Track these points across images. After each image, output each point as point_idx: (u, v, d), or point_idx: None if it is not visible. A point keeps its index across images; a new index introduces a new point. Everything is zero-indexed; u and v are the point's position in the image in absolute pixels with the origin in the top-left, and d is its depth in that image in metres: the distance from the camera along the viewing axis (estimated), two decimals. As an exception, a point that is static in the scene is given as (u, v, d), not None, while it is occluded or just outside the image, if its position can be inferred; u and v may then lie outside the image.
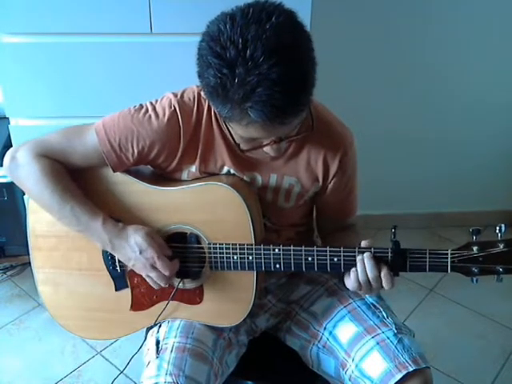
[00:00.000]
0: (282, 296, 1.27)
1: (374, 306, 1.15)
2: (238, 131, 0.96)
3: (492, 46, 2.26)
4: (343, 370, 1.11)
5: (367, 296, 1.16)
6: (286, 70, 0.82)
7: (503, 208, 2.58)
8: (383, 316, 1.13)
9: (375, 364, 1.06)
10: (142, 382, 1.06)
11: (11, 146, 1.65)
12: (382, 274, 1.00)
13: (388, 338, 1.08)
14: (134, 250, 1.06)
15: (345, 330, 1.13)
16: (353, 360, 1.09)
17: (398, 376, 1.02)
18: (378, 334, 1.09)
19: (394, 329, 1.09)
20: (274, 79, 0.82)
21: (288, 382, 1.24)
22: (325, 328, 1.16)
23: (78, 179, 1.11)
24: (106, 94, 1.72)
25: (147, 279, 1.10)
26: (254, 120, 0.87)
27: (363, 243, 1.02)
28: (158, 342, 1.11)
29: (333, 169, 1.12)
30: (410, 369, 1.02)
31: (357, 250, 1.02)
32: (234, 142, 1.03)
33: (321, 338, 1.17)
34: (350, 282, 1.04)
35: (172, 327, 1.14)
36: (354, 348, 1.10)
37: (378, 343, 1.07)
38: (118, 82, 1.71)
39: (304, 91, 0.88)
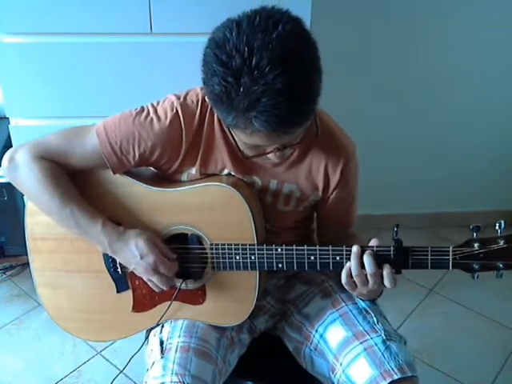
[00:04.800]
0: (280, 296, 1.27)
1: (366, 310, 1.14)
2: (242, 138, 0.96)
3: (492, 48, 2.27)
4: (333, 373, 1.11)
5: (360, 301, 1.16)
6: (291, 80, 0.82)
7: (503, 208, 2.58)
8: (374, 322, 1.12)
9: (361, 370, 1.05)
10: (147, 383, 1.06)
11: (11, 146, 1.65)
12: (385, 273, 0.99)
13: (376, 345, 1.07)
14: (135, 254, 1.06)
15: (334, 334, 1.13)
16: (341, 365, 1.09)
17: None
18: (366, 340, 1.08)
19: (383, 335, 1.08)
20: (280, 89, 0.81)
21: (287, 382, 1.24)
22: (316, 330, 1.16)
23: (77, 181, 1.10)
24: (106, 94, 1.71)
25: (149, 283, 1.10)
26: (258, 129, 0.87)
27: (371, 242, 1.01)
28: (161, 343, 1.11)
29: (334, 179, 1.12)
30: (395, 377, 1.02)
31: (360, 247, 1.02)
32: (238, 148, 1.03)
33: (312, 340, 1.16)
34: (342, 277, 1.03)
35: (175, 327, 1.14)
36: (342, 353, 1.09)
37: (365, 349, 1.07)
38: (118, 82, 1.71)
39: (309, 101, 0.88)
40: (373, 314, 1.13)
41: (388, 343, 1.07)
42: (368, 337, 1.09)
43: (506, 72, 2.35)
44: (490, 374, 1.88)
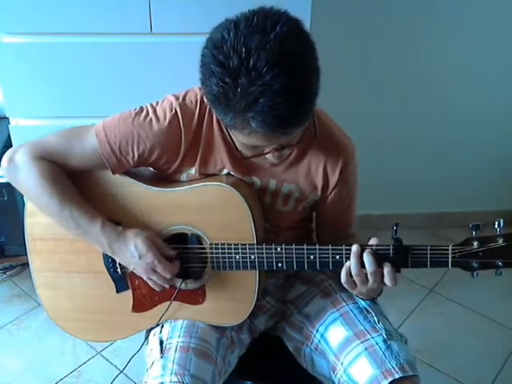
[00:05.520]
0: (280, 296, 1.27)
1: (367, 310, 1.14)
2: (240, 139, 0.96)
3: (492, 48, 2.27)
4: (333, 373, 1.11)
5: (360, 300, 1.16)
6: (288, 81, 0.82)
7: (503, 208, 2.58)
8: (374, 321, 1.11)
9: (362, 369, 1.05)
10: (146, 383, 1.06)
11: (11, 146, 1.65)
12: (386, 272, 0.99)
13: (377, 344, 1.07)
14: (134, 254, 1.06)
15: (335, 334, 1.12)
16: (342, 364, 1.08)
17: (384, 383, 1.01)
18: (367, 340, 1.08)
19: (383, 334, 1.08)
20: (277, 90, 0.81)
21: (287, 382, 1.24)
22: (317, 330, 1.16)
23: (76, 182, 1.10)
24: (106, 94, 1.72)
25: (148, 281, 1.10)
26: (256, 130, 0.87)
27: (371, 241, 1.02)
28: (161, 342, 1.11)
29: (333, 179, 1.12)
30: (396, 376, 1.02)
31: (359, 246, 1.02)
32: (236, 148, 1.04)
33: (313, 340, 1.16)
34: (341, 276, 1.03)
35: (175, 327, 1.14)
36: (343, 352, 1.09)
37: (366, 349, 1.07)
38: (118, 82, 1.71)
39: (307, 101, 0.88)
40: (373, 314, 1.13)
41: (389, 342, 1.07)
42: (369, 336, 1.09)
43: (506, 72, 2.35)
44: (490, 373, 1.88)
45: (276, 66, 0.81)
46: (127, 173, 1.11)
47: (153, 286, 1.10)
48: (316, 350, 1.16)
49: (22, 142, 1.10)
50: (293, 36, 0.84)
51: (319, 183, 1.13)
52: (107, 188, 1.11)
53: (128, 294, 1.17)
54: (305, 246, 1.05)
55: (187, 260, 1.12)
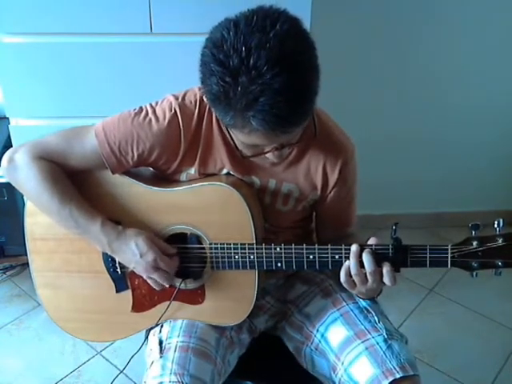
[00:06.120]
0: (280, 296, 1.27)
1: (367, 309, 1.14)
2: (240, 138, 0.96)
3: (492, 48, 2.27)
4: (334, 372, 1.11)
5: (361, 300, 1.16)
6: (288, 80, 0.82)
7: (503, 208, 2.58)
8: (375, 321, 1.11)
9: (363, 369, 1.05)
10: (146, 382, 1.06)
11: (11, 146, 1.65)
12: (385, 271, 0.99)
13: (377, 344, 1.07)
14: (135, 253, 1.06)
15: (336, 334, 1.12)
16: (342, 364, 1.08)
17: (385, 382, 1.01)
18: (368, 339, 1.08)
19: (384, 334, 1.08)
20: (277, 88, 0.82)
21: (287, 382, 1.24)
22: (317, 330, 1.16)
23: (76, 182, 1.10)
24: (106, 94, 1.72)
25: (149, 281, 1.10)
26: (256, 128, 0.87)
27: (370, 241, 1.02)
28: (161, 342, 1.11)
29: (332, 179, 1.12)
30: (397, 375, 1.01)
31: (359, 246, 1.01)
32: (236, 147, 1.04)
33: (313, 339, 1.16)
34: (341, 275, 1.02)
35: (175, 327, 1.14)
36: (344, 352, 1.09)
37: (366, 348, 1.07)
38: (118, 82, 1.71)
39: (307, 100, 0.88)
40: (374, 313, 1.13)
41: (389, 342, 1.07)
42: (369, 336, 1.08)
43: (506, 72, 2.35)
44: (490, 374, 1.88)
45: (276, 64, 0.81)
46: (127, 173, 1.11)
47: (153, 285, 1.11)
48: (316, 349, 1.16)
49: (21, 142, 1.10)
50: (292, 35, 0.84)
51: (319, 183, 1.13)
52: (107, 188, 1.11)
53: (128, 294, 1.17)
54: (304, 246, 1.05)
55: (187, 260, 1.12)
